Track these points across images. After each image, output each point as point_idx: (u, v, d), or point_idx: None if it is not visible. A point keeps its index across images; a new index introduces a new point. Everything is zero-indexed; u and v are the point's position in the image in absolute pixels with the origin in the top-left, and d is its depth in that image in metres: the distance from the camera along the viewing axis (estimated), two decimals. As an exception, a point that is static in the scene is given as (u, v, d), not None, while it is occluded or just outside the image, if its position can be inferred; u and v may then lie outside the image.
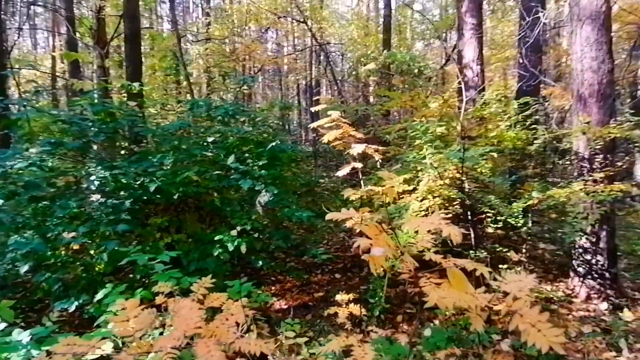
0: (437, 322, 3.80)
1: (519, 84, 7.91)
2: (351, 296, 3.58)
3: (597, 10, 3.77)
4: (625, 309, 3.70)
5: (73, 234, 2.88)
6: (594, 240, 3.89)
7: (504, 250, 3.90)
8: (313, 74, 19.84)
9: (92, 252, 3.15)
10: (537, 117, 4.06)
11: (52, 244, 2.98)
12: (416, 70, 8.85)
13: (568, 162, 4.08)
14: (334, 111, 3.60)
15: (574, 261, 4.09)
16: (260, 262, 3.71)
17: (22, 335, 2.29)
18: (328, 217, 1.37)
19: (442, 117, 3.90)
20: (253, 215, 3.52)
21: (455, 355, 3.07)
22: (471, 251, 3.71)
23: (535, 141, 3.52)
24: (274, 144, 3.60)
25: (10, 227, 3.06)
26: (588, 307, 3.80)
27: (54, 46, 18.80)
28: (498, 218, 3.73)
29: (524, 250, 3.83)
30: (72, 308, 2.83)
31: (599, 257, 3.88)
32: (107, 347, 1.74)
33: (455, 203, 3.61)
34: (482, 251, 3.76)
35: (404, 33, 14.22)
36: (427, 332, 3.45)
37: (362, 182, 4.03)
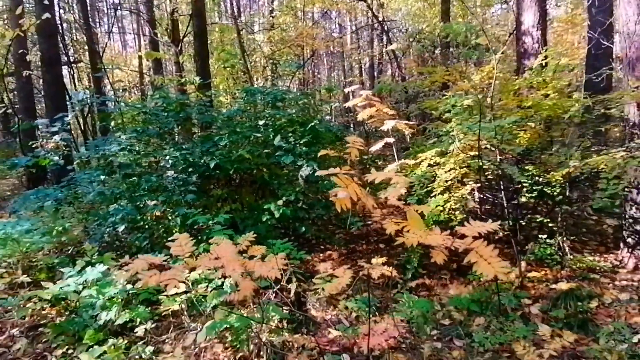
0: (470, 287, 4.01)
1: (588, 47, 7.35)
2: (384, 260, 3.93)
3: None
4: (677, 281, 3.58)
5: (154, 202, 3.64)
6: (644, 210, 3.76)
7: (539, 219, 3.96)
8: (375, 52, 19.76)
9: (169, 217, 3.90)
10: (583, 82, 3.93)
11: (140, 210, 3.78)
12: (473, 42, 8.59)
13: (620, 130, 3.92)
14: (365, 91, 3.96)
15: (624, 232, 3.98)
16: (304, 228, 4.21)
17: (120, 276, 3.06)
18: (317, 173, 1.77)
19: (473, 89, 3.97)
20: (297, 188, 4.01)
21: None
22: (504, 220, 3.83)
23: (571, 109, 3.48)
24: (312, 124, 4.03)
25: (111, 197, 3.93)
26: (633, 278, 3.72)
27: (140, 46, 21.11)
28: (534, 188, 3.79)
29: (559, 219, 3.84)
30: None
31: (649, 228, 3.75)
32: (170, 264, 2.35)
33: (486, 173, 3.75)
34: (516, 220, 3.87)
35: (468, 1, 13.48)
36: (452, 292, 3.72)
37: (396, 156, 4.34)
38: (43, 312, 3.77)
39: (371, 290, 4.32)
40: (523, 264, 3.95)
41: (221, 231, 3.20)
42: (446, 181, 3.56)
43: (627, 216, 3.88)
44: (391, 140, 4.15)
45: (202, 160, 3.89)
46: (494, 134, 3.50)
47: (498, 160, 3.68)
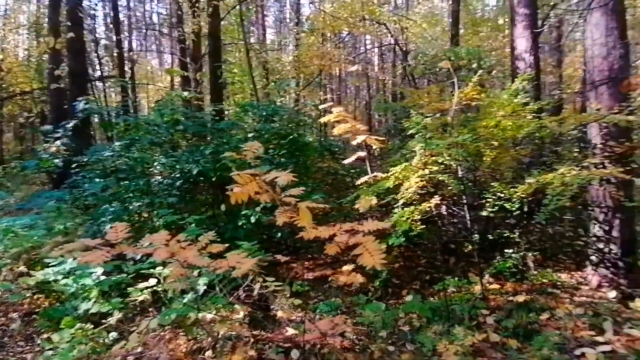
0: (436, 297, 4.13)
1: (585, 73, 7.41)
2: (352, 266, 4.12)
3: (606, -6, 3.70)
4: (638, 299, 3.58)
5: (139, 203, 4.01)
6: (607, 228, 3.81)
7: (506, 234, 4.08)
8: (397, 74, 20.19)
9: (154, 218, 4.26)
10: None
11: (128, 211, 4.16)
12: (474, 65, 8.77)
13: (577, 150, 4.02)
14: (336, 108, 4.25)
15: (589, 250, 4.03)
16: (280, 234, 4.47)
17: (96, 269, 3.42)
18: (232, 174, 2.03)
19: (438, 109, 4.19)
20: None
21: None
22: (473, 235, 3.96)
23: (525, 129, 3.61)
24: (292, 137, 4.33)
25: (105, 199, 4.34)
26: (594, 295, 3.75)
27: (172, 64, 22.47)
28: (496, 203, 3.92)
29: (517, 233, 3.94)
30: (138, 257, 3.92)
31: (612, 246, 3.79)
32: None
33: (449, 187, 3.92)
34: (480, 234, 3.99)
35: (478, 26, 13.69)
36: (407, 298, 3.86)
37: (368, 169, 4.59)
38: (38, 301, 4.23)
39: (342, 296, 4.51)
40: (487, 276, 4.05)
41: (193, 231, 3.51)
42: (408, 191, 3.75)
43: (591, 234, 3.93)
44: (363, 154, 4.41)
45: (188, 168, 4.26)
46: (454, 151, 3.69)
47: (460, 175, 3.86)
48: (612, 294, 3.69)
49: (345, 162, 4.25)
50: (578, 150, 4.14)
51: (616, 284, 3.73)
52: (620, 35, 3.70)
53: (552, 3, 8.82)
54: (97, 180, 4.25)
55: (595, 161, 3.55)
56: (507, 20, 14.60)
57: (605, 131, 3.69)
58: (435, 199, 3.91)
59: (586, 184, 3.70)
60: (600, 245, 3.85)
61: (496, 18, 15.61)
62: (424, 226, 3.76)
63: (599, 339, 3.06)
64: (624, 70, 3.70)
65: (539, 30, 6.75)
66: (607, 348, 2.95)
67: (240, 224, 4.14)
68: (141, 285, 3.43)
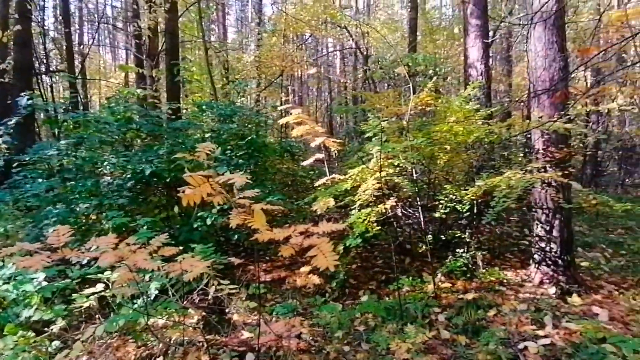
0: (391, 297, 4.23)
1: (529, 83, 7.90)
2: (310, 268, 4.14)
3: (547, 10, 3.98)
4: (575, 295, 3.86)
5: (86, 205, 3.80)
6: (547, 228, 4.08)
7: (458, 234, 4.25)
8: (358, 77, 20.53)
9: (103, 221, 4.06)
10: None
11: (75, 212, 3.93)
12: (430, 71, 9.11)
13: (522, 155, 4.30)
14: (295, 110, 4.24)
15: (532, 249, 4.29)
16: (237, 236, 4.40)
17: (38, 275, 3.21)
18: (184, 176, 1.99)
19: (396, 113, 4.31)
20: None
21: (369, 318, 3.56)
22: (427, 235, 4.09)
23: (475, 134, 3.82)
24: (250, 138, 4.28)
25: (48, 200, 4.07)
26: (537, 291, 4.00)
27: (127, 60, 21.54)
28: (448, 205, 4.08)
29: (467, 233, 4.13)
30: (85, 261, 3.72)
31: (552, 245, 4.06)
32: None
33: (404, 189, 4.04)
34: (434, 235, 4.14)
35: (437, 34, 14.22)
36: (363, 298, 3.94)
37: (327, 171, 4.61)
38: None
39: (299, 297, 4.51)
40: (439, 275, 4.21)
41: (144, 233, 3.37)
42: (365, 193, 3.82)
43: (534, 234, 4.19)
44: (321, 156, 4.42)
45: (141, 168, 4.09)
46: (410, 154, 3.80)
47: (414, 178, 3.97)
48: (552, 290, 3.95)
49: (304, 163, 4.26)
50: (523, 155, 4.42)
51: (556, 281, 3.99)
52: (560, 49, 3.98)
53: (502, 16, 9.35)
54: (40, 180, 3.98)
55: (538, 165, 3.80)
56: (461, 29, 15.30)
57: (546, 137, 3.96)
58: (391, 201, 4.01)
59: (529, 186, 3.95)
60: (542, 245, 4.11)
61: (452, 27, 16.30)
62: (380, 227, 3.85)
63: (540, 332, 3.26)
64: (563, 81, 3.98)
65: (490, 40, 7.11)
66: (547, 341, 3.14)
67: (195, 226, 4.03)
68: (87, 291, 3.25)
